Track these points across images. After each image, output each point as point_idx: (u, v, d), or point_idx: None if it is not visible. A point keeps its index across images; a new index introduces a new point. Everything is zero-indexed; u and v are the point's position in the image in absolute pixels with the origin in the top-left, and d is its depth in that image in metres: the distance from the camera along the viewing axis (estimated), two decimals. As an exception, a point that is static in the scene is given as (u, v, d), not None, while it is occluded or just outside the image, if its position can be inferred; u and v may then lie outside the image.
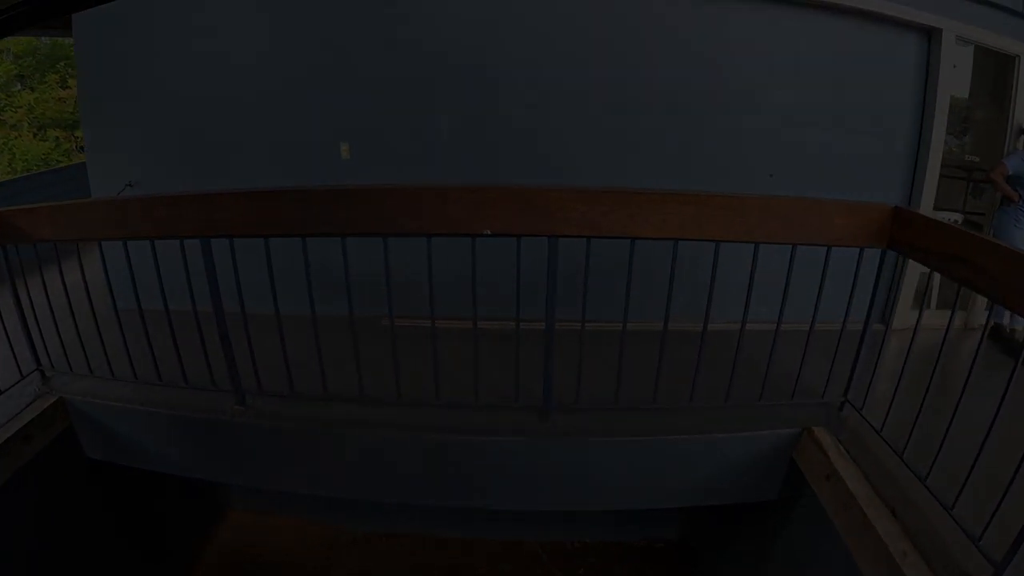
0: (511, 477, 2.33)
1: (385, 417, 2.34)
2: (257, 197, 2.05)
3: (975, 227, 3.82)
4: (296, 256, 2.09)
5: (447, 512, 3.73)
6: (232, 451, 2.49)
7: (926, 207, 3.43)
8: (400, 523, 4.03)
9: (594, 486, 2.33)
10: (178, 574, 3.64)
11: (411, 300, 2.22)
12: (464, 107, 3.19)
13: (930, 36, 3.30)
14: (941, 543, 1.83)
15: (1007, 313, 3.34)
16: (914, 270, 3.30)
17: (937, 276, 3.35)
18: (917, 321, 2.07)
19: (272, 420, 2.37)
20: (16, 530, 2.46)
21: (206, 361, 2.35)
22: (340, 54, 3.16)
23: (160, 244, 2.17)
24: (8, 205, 2.42)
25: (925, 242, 1.94)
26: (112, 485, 2.98)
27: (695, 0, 3.13)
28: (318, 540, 4.03)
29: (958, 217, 3.82)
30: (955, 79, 3.43)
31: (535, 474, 2.31)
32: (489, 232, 1.91)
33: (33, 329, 2.63)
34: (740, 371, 2.27)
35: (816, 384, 2.37)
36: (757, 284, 2.07)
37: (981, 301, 3.53)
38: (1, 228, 2.33)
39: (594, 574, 3.83)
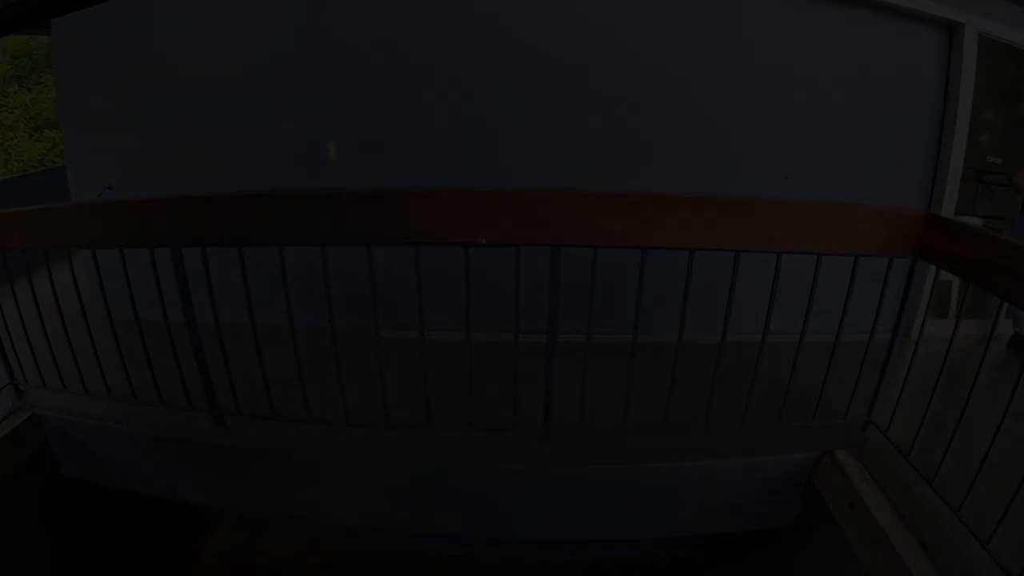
0: (508, 504, 2.16)
1: (372, 440, 2.17)
2: (230, 203, 1.88)
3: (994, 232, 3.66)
4: (279, 263, 1.93)
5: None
6: (211, 473, 2.33)
7: (947, 212, 3.27)
8: (397, 539, 3.87)
9: (597, 514, 2.16)
10: (163, 595, 3.49)
11: (402, 309, 2.05)
12: (459, 107, 3.04)
13: (951, 31, 3.14)
14: (977, 582, 1.67)
15: (1026, 321, 3.22)
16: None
17: (956, 284, 3.27)
18: (953, 333, 1.90)
19: (251, 442, 2.20)
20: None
21: (180, 377, 2.19)
22: (329, 51, 3.01)
23: (133, 250, 2.02)
24: (2, 205, 2.29)
25: (961, 251, 1.78)
26: (92, 503, 2.84)
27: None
28: (312, 558, 3.88)
29: (978, 221, 3.66)
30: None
31: (534, 501, 2.14)
32: (484, 241, 1.75)
33: (6, 341, 2.49)
34: (756, 388, 2.10)
35: (836, 402, 2.20)
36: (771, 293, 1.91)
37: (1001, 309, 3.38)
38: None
39: (597, 591, 3.69)
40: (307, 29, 3.02)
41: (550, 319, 1.95)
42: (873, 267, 1.95)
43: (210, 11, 3.04)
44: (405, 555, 3.88)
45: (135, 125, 3.20)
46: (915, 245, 1.89)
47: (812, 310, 1.99)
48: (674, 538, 3.75)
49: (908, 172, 3.32)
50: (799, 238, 1.84)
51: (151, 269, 2.00)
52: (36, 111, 10.62)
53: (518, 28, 2.99)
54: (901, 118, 3.22)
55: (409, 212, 1.81)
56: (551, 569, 3.82)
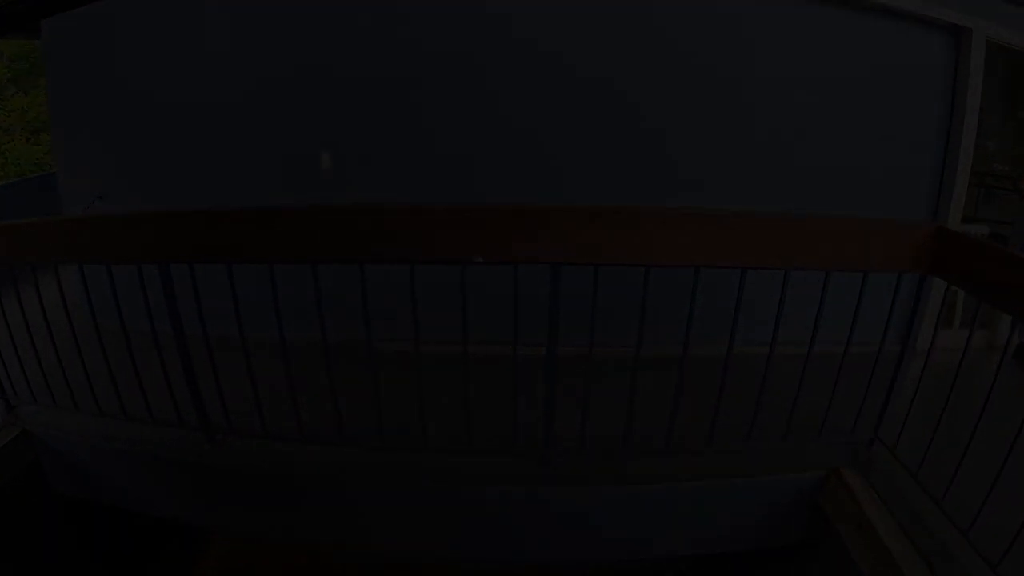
0: (506, 529, 2.11)
1: (367, 460, 2.12)
2: (218, 219, 1.82)
3: (1001, 240, 3.62)
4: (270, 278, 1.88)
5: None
6: (204, 492, 2.28)
7: (954, 220, 3.22)
8: (395, 553, 3.82)
9: (598, 536, 2.11)
10: (158, 611, 3.44)
11: (397, 321, 1.99)
12: (456, 116, 2.97)
13: (959, 36, 3.08)
14: (987, 609, 1.63)
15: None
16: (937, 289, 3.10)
17: (960, 294, 3.22)
18: (965, 347, 1.85)
19: (244, 461, 2.16)
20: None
21: (171, 395, 2.14)
22: (323, 60, 2.95)
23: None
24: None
25: (972, 267, 1.73)
26: (83, 519, 2.79)
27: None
28: (310, 570, 3.82)
29: (984, 229, 3.60)
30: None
31: (533, 525, 2.09)
32: (481, 260, 1.70)
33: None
34: (761, 405, 2.05)
35: (842, 418, 2.15)
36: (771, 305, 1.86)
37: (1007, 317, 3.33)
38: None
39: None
40: (301, 38, 2.96)
41: (550, 340, 1.89)
42: (880, 278, 1.90)
43: (203, 18, 2.98)
44: (405, 568, 3.82)
45: (126, 133, 3.14)
46: (926, 261, 1.84)
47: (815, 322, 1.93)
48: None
49: (915, 178, 3.26)
50: (808, 255, 1.79)
51: (140, 283, 1.95)
52: (33, 114, 10.58)
53: (515, 37, 2.93)
54: (908, 124, 3.17)
55: (403, 229, 1.75)
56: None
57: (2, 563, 2.40)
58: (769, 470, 2.13)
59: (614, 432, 2.04)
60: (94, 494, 2.52)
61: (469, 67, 2.93)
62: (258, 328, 1.96)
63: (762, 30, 2.99)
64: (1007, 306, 1.64)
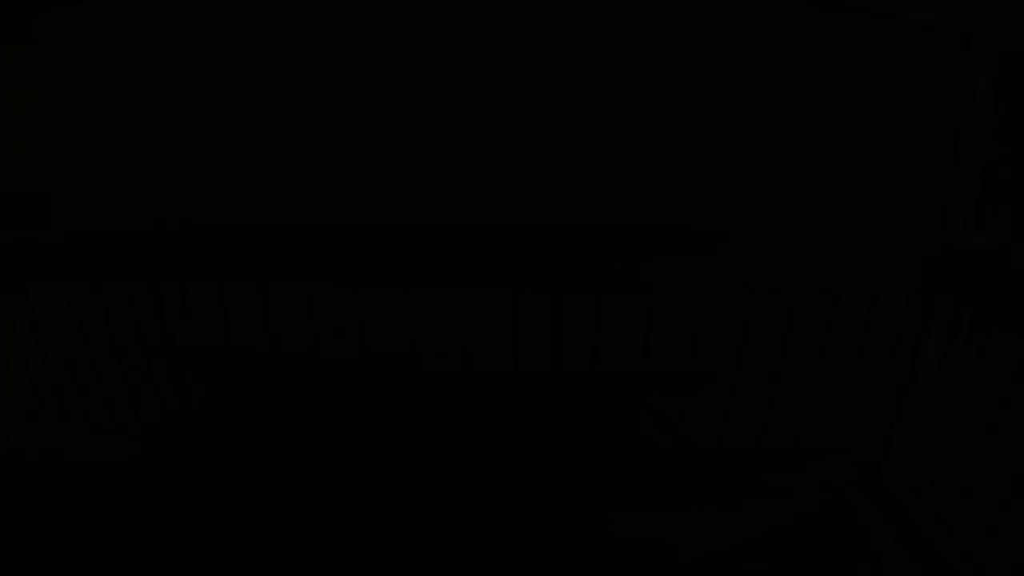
0: (507, 558, 2.06)
1: (363, 487, 2.06)
2: (210, 235, 1.77)
3: (1008, 248, 3.57)
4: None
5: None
6: (198, 510, 2.24)
7: (961, 229, 3.17)
8: (397, 565, 3.77)
9: (594, 556, 2.05)
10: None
11: (392, 337, 1.95)
12: (453, 133, 2.89)
13: (966, 44, 3.03)
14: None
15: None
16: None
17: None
18: (976, 366, 1.80)
19: (239, 483, 2.12)
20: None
21: (162, 411, 2.10)
22: (320, 68, 2.90)
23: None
24: None
25: (986, 288, 1.68)
26: (77, 532, 2.76)
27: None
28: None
29: (990, 241, 3.55)
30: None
31: (533, 552, 2.04)
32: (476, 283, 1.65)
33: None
34: (767, 425, 2.01)
35: (848, 439, 2.10)
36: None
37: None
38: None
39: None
40: (298, 47, 2.91)
41: (552, 362, 1.85)
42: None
43: (199, 28, 2.93)
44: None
45: (119, 141, 3.09)
46: (935, 280, 1.80)
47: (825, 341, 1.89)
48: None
49: (922, 189, 3.21)
50: (816, 274, 1.74)
51: (129, 297, 1.92)
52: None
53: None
54: (915, 133, 3.11)
55: (397, 249, 1.70)
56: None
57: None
58: (773, 493, 2.08)
59: (617, 455, 1.99)
60: (88, 511, 2.48)
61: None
62: (252, 339, 1.93)
63: (765, 40, 2.93)
64: (1017, 327, 1.58)
